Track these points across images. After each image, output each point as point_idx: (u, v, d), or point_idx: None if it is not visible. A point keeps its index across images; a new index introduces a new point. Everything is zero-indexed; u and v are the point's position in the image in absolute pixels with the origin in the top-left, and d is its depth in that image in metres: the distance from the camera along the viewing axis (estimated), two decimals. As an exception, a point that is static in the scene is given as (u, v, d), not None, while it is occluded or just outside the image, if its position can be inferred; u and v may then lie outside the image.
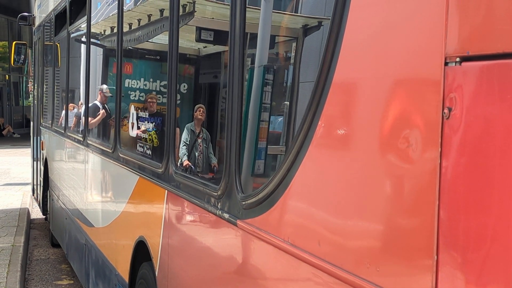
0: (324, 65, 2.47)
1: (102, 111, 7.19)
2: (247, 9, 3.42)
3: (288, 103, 3.77)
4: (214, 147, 4.71)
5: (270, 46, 3.79)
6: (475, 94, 1.75)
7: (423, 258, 1.92)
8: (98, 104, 7.33)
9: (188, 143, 4.69)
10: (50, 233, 11.23)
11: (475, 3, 1.77)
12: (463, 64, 1.78)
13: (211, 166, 4.67)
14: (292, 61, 3.83)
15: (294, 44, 3.85)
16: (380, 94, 2.20)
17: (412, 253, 2.01)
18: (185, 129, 4.78)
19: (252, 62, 3.75)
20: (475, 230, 1.75)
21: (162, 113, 5.30)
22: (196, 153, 4.75)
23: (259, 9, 3.67)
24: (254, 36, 3.66)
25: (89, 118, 7.42)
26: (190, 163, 4.67)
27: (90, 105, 7.51)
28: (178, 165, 4.57)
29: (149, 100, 5.74)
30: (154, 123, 5.48)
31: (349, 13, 2.35)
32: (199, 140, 4.73)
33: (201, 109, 4.95)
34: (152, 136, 5.40)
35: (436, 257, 1.86)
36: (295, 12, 3.91)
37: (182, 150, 4.68)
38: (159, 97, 5.70)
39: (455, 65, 1.80)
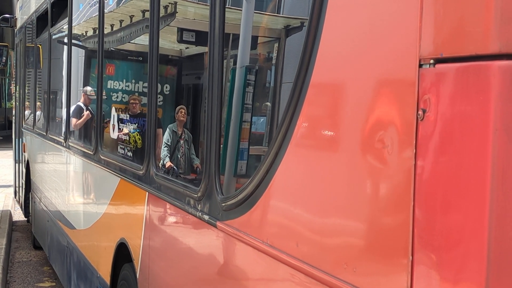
0: (303, 66, 2.48)
1: (86, 112, 7.16)
2: (228, 9, 3.42)
3: (270, 103, 3.77)
4: (197, 148, 4.70)
5: (252, 47, 3.80)
6: (448, 96, 1.76)
7: (399, 258, 1.93)
8: (82, 105, 7.30)
9: (170, 144, 4.68)
10: (32, 235, 11.18)
11: (448, 6, 1.78)
12: (437, 66, 1.79)
13: (193, 167, 4.67)
14: (274, 61, 3.84)
15: (276, 45, 3.86)
16: (356, 95, 2.21)
17: (388, 253, 2.02)
18: (167, 130, 4.77)
19: (234, 63, 3.75)
20: (449, 229, 1.76)
21: (145, 114, 5.29)
22: (179, 155, 4.74)
23: (241, 10, 3.67)
24: (236, 37, 3.66)
25: (73, 120, 7.39)
26: (172, 164, 4.66)
27: (73, 106, 7.47)
28: (160, 166, 4.56)
29: (131, 101, 5.72)
30: (137, 124, 5.46)
31: (326, 14, 2.36)
32: (181, 142, 4.72)
33: (183, 110, 4.94)
34: (135, 138, 5.38)
35: (411, 256, 1.87)
36: (277, 13, 3.91)
37: (164, 151, 4.66)
38: (141, 98, 5.69)
39: (429, 67, 1.81)
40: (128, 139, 5.49)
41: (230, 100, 3.65)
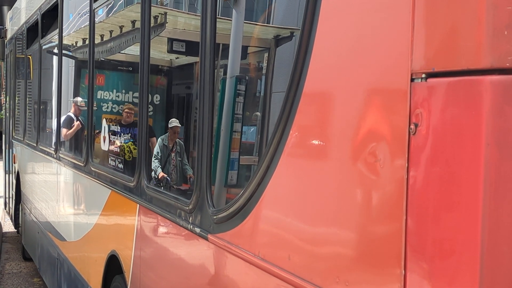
0: (295, 77, 2.47)
1: (77, 123, 7.14)
2: (219, 20, 3.41)
3: (260, 113, 3.77)
4: (189, 157, 4.68)
5: (242, 57, 3.79)
6: (440, 110, 1.76)
7: (391, 268, 1.93)
8: (72, 116, 7.28)
9: (159, 157, 4.65)
10: (22, 246, 11.12)
11: (440, 20, 1.78)
12: (429, 80, 1.79)
13: (186, 178, 4.63)
14: (264, 71, 3.84)
15: (266, 55, 3.86)
16: (349, 109, 2.21)
17: (380, 264, 2.02)
18: (158, 141, 4.73)
19: (225, 73, 3.74)
20: (441, 240, 1.77)
21: (132, 124, 5.23)
22: (170, 168, 4.70)
23: (231, 20, 3.67)
24: (226, 47, 3.66)
25: (64, 130, 7.36)
26: (164, 175, 4.63)
27: (64, 117, 7.45)
28: (153, 177, 4.54)
29: (126, 110, 5.59)
30: (130, 134, 5.37)
31: (317, 28, 2.36)
32: (172, 155, 4.69)
33: (177, 127, 4.85)
34: (130, 148, 5.28)
35: (404, 267, 1.87)
36: (267, 23, 3.91)
37: (154, 163, 4.64)
38: (136, 107, 5.65)
39: (421, 81, 1.81)
40: (119, 150, 5.47)
41: (220, 110, 3.64)
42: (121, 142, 5.43)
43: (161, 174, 4.62)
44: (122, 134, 5.47)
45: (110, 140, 5.67)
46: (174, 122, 4.98)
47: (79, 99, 7.28)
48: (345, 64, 2.24)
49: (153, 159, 4.64)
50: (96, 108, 6.16)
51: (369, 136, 2.07)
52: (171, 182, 4.67)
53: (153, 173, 4.61)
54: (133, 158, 5.11)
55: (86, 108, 6.51)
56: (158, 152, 4.67)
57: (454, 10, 1.74)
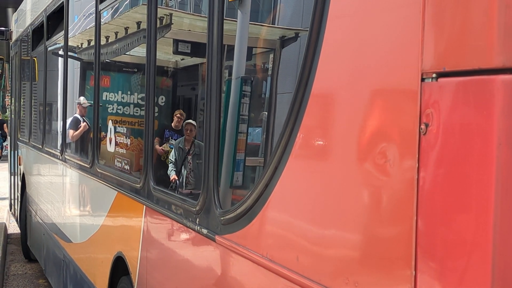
0: (303, 76, 2.46)
1: (83, 124, 7.15)
2: (224, 21, 3.41)
3: (266, 114, 3.76)
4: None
5: (247, 58, 3.79)
6: (451, 110, 1.75)
7: (402, 270, 1.92)
8: (79, 117, 7.29)
9: (174, 160, 4.62)
10: (22, 247, 11.14)
11: (451, 19, 1.77)
12: (440, 80, 1.78)
13: None
14: (269, 72, 3.84)
15: (271, 56, 3.85)
16: (358, 109, 2.20)
17: (391, 265, 2.01)
18: (174, 145, 4.71)
19: (230, 74, 3.74)
20: (451, 241, 1.76)
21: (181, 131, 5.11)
22: (186, 171, 4.66)
23: (236, 21, 3.67)
24: (231, 48, 3.65)
25: (70, 131, 7.37)
26: (175, 177, 4.60)
27: (70, 118, 7.46)
28: (171, 184, 4.53)
29: (178, 115, 5.41)
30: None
31: (326, 24, 2.35)
32: (189, 157, 4.66)
33: (190, 127, 4.80)
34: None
35: (414, 268, 1.86)
36: (272, 24, 3.91)
37: (170, 167, 4.62)
38: (137, 110, 5.65)
39: (432, 81, 1.80)
40: (125, 152, 5.46)
41: (225, 112, 3.64)
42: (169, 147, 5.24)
43: (172, 176, 4.60)
44: (170, 138, 5.34)
45: (116, 142, 5.66)
46: (185, 122, 4.93)
47: (81, 98, 7.29)
48: (354, 64, 2.23)
49: (169, 163, 4.63)
50: (101, 105, 6.16)
51: (379, 136, 2.06)
52: (187, 188, 4.63)
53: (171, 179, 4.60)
54: (138, 160, 5.10)
55: (90, 104, 6.49)
56: (172, 155, 4.65)
57: (465, 9, 1.73)
